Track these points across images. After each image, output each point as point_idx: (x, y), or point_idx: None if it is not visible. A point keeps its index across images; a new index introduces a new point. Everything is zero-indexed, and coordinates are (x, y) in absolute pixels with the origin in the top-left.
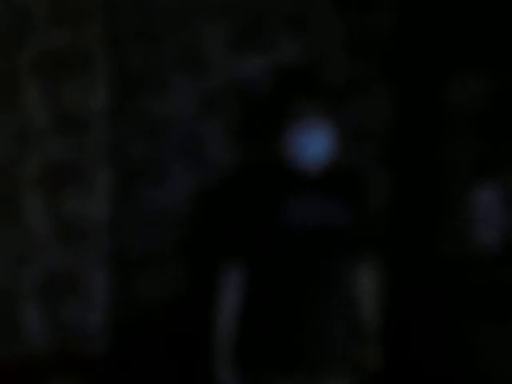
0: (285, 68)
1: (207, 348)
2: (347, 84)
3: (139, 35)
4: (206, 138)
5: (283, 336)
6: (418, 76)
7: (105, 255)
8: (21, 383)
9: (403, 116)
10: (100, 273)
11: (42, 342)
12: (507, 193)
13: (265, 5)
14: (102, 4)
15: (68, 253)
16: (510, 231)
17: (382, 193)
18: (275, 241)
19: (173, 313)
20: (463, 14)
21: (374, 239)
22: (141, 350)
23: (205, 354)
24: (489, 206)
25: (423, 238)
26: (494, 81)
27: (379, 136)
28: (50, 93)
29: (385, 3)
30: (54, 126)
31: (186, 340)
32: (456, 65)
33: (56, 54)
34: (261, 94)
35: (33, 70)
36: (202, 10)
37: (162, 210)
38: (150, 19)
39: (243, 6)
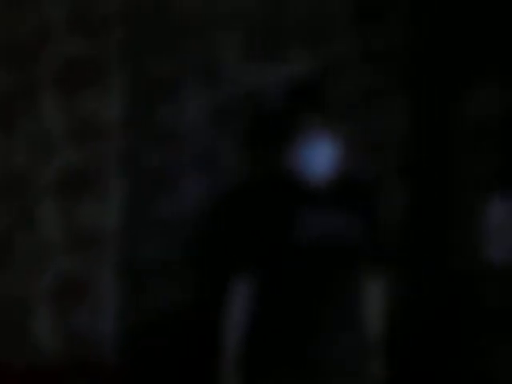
0: (295, 80)
1: (214, 358)
2: (363, 95)
3: (155, 46)
4: (219, 148)
5: (291, 349)
6: (434, 88)
7: (117, 263)
8: None
9: (419, 128)
10: (112, 281)
11: (53, 349)
12: None
13: (280, 16)
14: (119, 14)
15: (80, 260)
16: None
17: (396, 205)
18: (284, 254)
19: (183, 321)
20: (480, 26)
21: (384, 253)
22: (151, 357)
23: (212, 364)
24: (502, 219)
25: (436, 251)
26: (509, 93)
27: (395, 148)
28: (66, 102)
29: (401, 14)
30: (70, 134)
31: (196, 349)
32: (472, 77)
33: (73, 64)
34: (274, 105)
35: (50, 80)
36: (218, 22)
37: (174, 220)
38: (166, 30)
39: (259, 17)
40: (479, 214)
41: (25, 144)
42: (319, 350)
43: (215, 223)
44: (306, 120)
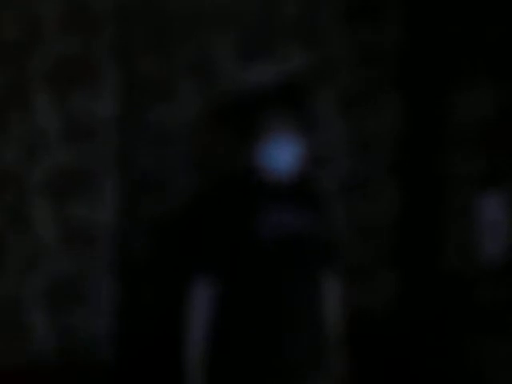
0: (277, 79)
1: (180, 361)
2: (356, 94)
3: (148, 45)
4: (212, 147)
5: (254, 349)
6: (426, 87)
7: (111, 262)
8: None
9: (410, 126)
10: (106, 280)
11: (48, 349)
12: None
13: (274, 15)
14: (112, 14)
15: (75, 260)
16: None
17: (390, 204)
18: (245, 253)
19: (179, 319)
20: (472, 27)
21: (338, 249)
22: (146, 356)
23: (178, 367)
24: (494, 217)
25: (429, 250)
26: (499, 93)
27: (387, 146)
28: (59, 101)
29: (394, 14)
30: (64, 133)
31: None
32: (463, 77)
33: (66, 63)
34: (250, 102)
35: (43, 79)
36: (212, 20)
37: (168, 219)
38: (159, 29)
39: (252, 16)
40: (472, 211)
41: (18, 143)
42: (283, 348)
43: (182, 225)
44: (268, 120)
